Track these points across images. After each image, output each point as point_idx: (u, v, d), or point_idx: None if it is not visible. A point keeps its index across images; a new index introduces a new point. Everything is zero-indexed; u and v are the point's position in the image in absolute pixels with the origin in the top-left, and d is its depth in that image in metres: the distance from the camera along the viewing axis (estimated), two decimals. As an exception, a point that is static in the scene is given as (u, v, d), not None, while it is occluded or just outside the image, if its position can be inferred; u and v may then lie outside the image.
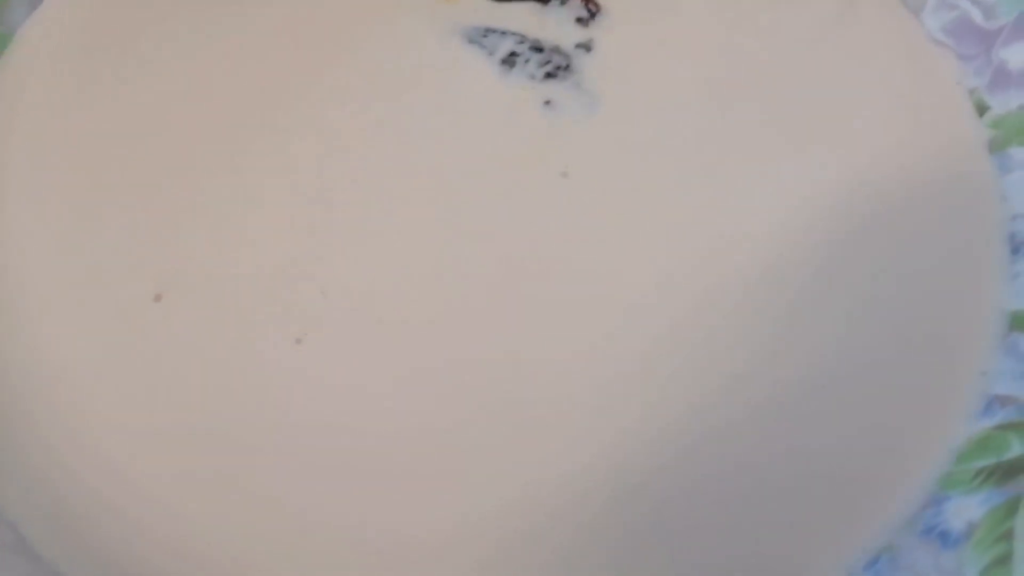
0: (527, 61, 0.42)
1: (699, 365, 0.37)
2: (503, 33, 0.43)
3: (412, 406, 0.36)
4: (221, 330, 0.37)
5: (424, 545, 0.34)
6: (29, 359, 0.37)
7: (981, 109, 0.43)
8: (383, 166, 0.40)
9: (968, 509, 0.34)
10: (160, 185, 0.40)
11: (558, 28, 0.44)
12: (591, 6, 0.44)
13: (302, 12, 0.43)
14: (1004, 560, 0.32)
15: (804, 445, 0.35)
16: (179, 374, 0.36)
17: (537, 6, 0.44)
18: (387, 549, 0.34)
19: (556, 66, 0.42)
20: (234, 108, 0.41)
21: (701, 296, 0.38)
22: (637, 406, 0.36)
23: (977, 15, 0.44)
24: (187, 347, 0.37)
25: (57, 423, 0.36)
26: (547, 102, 0.41)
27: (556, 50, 0.43)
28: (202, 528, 0.34)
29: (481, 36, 0.43)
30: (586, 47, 0.43)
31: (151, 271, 0.38)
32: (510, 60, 0.42)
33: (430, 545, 0.34)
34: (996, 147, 0.42)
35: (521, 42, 0.43)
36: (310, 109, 0.41)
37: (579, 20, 0.44)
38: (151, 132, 0.41)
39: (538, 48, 0.42)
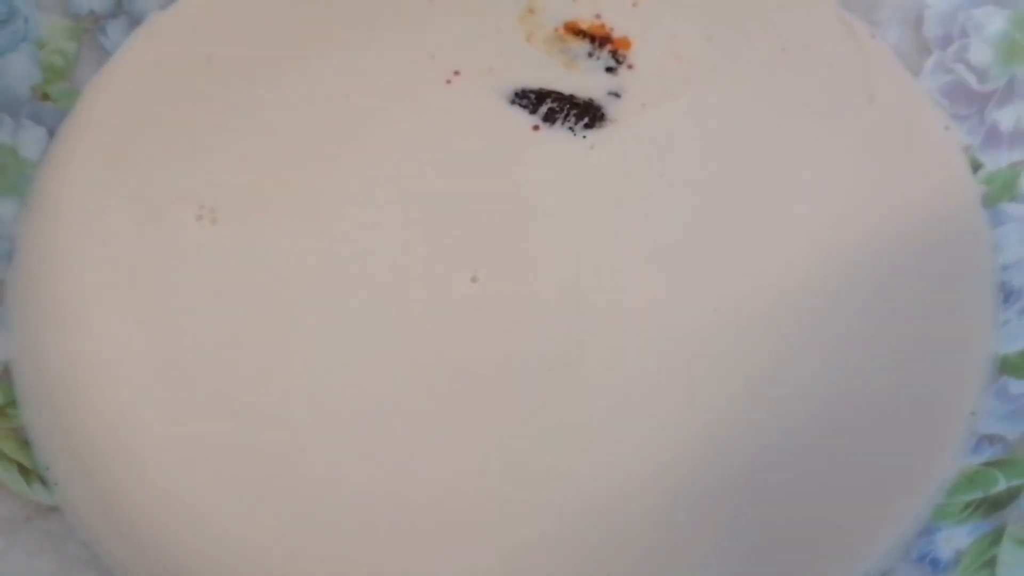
0: (567, 116, 0.45)
1: (697, 406, 0.39)
2: (540, 92, 0.46)
3: (443, 409, 0.39)
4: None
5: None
6: (85, 371, 0.40)
7: (975, 166, 0.46)
8: (439, 218, 0.43)
9: (957, 538, 0.37)
10: (214, 227, 0.43)
11: (589, 79, 0.47)
12: (618, 56, 0.47)
13: (354, 82, 0.46)
14: (988, 585, 0.35)
15: (809, 479, 0.38)
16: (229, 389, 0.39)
17: (567, 60, 0.47)
18: (411, 532, 0.37)
19: (593, 117, 0.46)
20: (292, 161, 0.44)
21: (705, 337, 0.41)
22: (632, 433, 0.39)
23: (971, 79, 0.47)
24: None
25: (122, 453, 0.39)
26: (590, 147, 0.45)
27: (590, 103, 0.46)
28: (256, 545, 0.37)
29: (520, 97, 0.46)
30: (616, 94, 0.46)
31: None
32: (551, 117, 0.46)
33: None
34: (988, 202, 0.45)
35: (558, 99, 0.46)
36: (359, 170, 0.44)
37: (608, 69, 0.47)
38: (213, 184, 0.44)
39: (575, 104, 0.46)
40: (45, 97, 0.45)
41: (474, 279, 0.41)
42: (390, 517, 0.37)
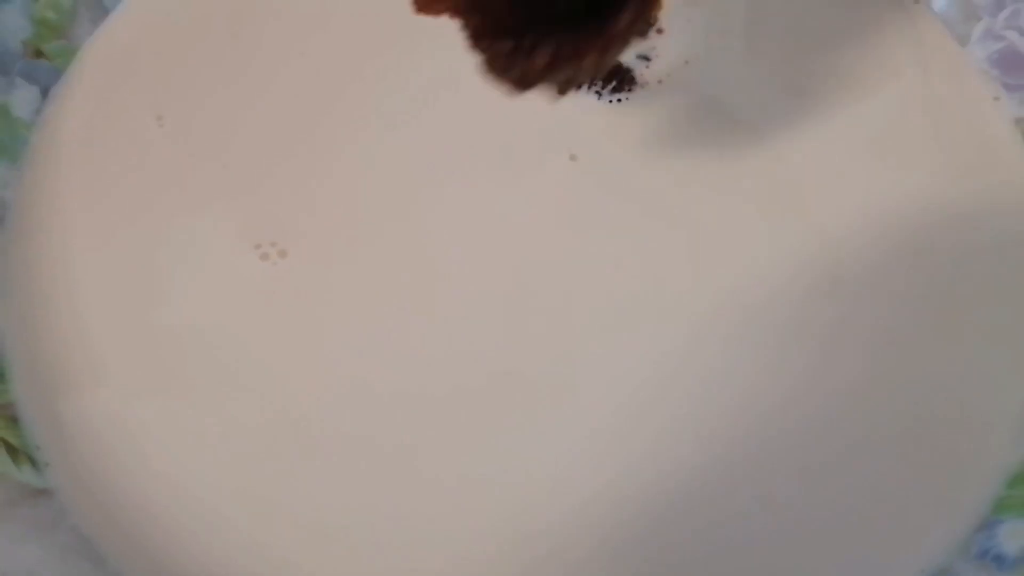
0: (594, 80, 0.43)
1: (742, 383, 0.37)
2: None
3: (444, 415, 0.37)
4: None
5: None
6: (78, 346, 0.38)
7: (1028, 138, 0.43)
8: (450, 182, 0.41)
9: (1022, 533, 0.35)
10: (214, 195, 0.41)
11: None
12: (649, 18, 0.45)
13: (363, 44, 0.44)
14: (1061, 583, 0.33)
15: (859, 472, 0.36)
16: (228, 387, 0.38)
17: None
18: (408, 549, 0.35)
19: (622, 81, 0.43)
20: (294, 125, 0.42)
21: (736, 329, 0.39)
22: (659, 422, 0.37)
23: (1024, 46, 0.44)
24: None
25: (117, 433, 0.37)
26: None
27: (619, 67, 0.43)
28: (254, 535, 0.35)
29: None
30: (646, 57, 0.44)
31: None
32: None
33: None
34: (1044, 176, 0.43)
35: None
36: (369, 134, 0.42)
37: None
38: (209, 149, 0.42)
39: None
40: (39, 54, 0.43)
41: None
42: (383, 520, 0.36)
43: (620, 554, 0.35)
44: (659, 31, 0.45)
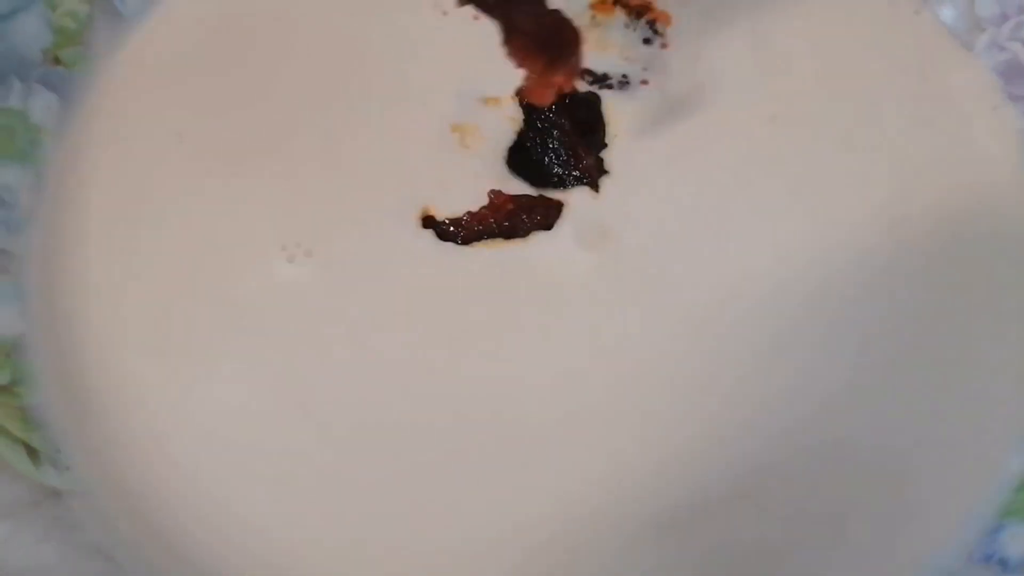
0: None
1: (742, 387, 0.38)
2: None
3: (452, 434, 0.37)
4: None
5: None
6: (101, 350, 0.38)
7: (1031, 149, 0.44)
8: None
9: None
10: (230, 205, 0.41)
11: (626, 51, 0.44)
12: (656, 26, 0.45)
13: (382, 56, 0.44)
14: (1067, 585, 0.33)
15: (870, 476, 0.36)
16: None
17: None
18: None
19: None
20: (316, 123, 0.43)
21: (742, 322, 0.39)
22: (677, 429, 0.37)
23: (1027, 57, 0.45)
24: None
25: (141, 427, 0.37)
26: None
27: (624, 79, 0.44)
28: (266, 528, 0.36)
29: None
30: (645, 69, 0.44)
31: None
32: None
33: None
34: (1046, 186, 0.43)
35: (593, 82, 0.44)
36: (390, 136, 0.42)
37: (646, 41, 0.45)
38: (229, 159, 0.42)
39: (608, 85, 0.44)
40: (57, 61, 0.43)
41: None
42: (402, 528, 0.36)
43: (623, 562, 0.35)
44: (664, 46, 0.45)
